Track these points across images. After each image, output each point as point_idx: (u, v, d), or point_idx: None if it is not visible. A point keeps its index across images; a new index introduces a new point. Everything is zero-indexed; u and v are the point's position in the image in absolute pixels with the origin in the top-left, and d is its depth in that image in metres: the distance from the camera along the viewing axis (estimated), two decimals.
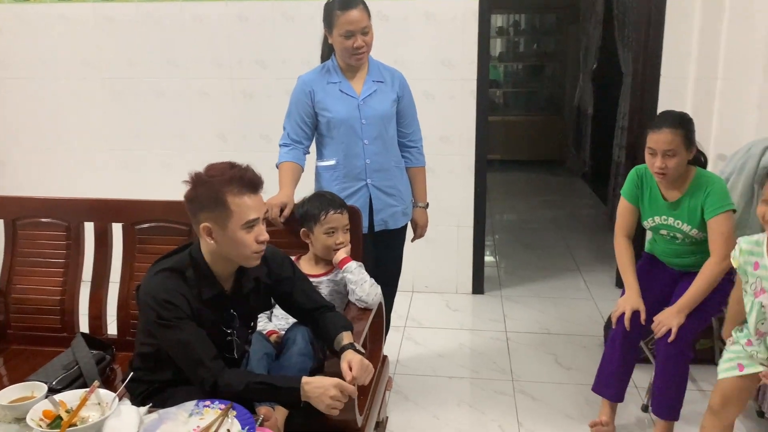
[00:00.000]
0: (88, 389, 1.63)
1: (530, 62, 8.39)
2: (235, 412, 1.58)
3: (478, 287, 4.03)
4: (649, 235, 2.73)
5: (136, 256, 2.32)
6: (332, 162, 2.53)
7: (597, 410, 2.63)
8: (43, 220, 2.38)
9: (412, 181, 2.70)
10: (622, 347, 2.48)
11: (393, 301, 2.83)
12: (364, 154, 2.51)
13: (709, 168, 2.61)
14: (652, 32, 3.56)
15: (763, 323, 1.97)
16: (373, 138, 2.51)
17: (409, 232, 2.78)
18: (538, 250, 4.93)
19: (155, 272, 1.76)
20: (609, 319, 2.63)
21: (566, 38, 7.79)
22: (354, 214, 2.31)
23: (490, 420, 2.72)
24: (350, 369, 1.73)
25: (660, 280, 2.59)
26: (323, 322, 1.92)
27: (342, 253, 2.23)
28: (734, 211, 2.41)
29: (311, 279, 2.14)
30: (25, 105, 4.03)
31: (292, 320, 2.08)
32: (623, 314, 2.43)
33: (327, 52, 2.56)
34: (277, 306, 2.12)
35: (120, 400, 1.63)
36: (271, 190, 2.14)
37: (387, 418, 2.65)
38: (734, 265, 2.04)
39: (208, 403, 1.61)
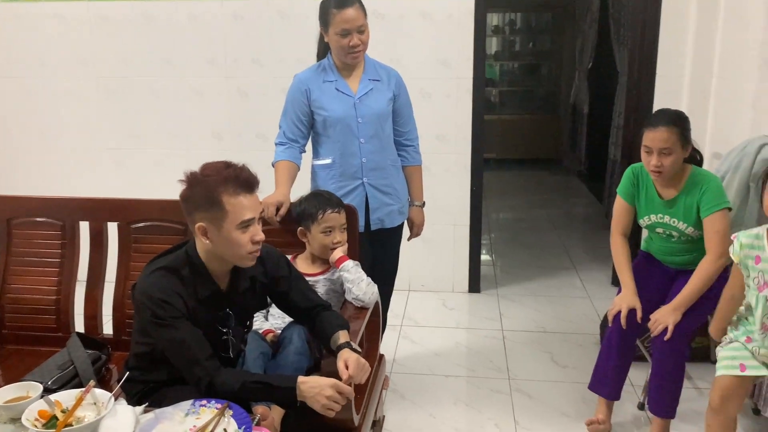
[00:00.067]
0: (83, 389, 1.63)
1: (526, 61, 8.40)
2: (231, 412, 1.57)
3: (474, 286, 4.03)
4: (645, 233, 2.73)
5: (131, 255, 2.31)
6: (328, 161, 2.53)
7: (593, 408, 2.63)
8: (38, 219, 2.37)
9: (408, 179, 2.70)
10: (619, 345, 2.48)
11: (389, 300, 2.82)
12: (360, 153, 2.51)
13: (705, 166, 2.61)
14: (647, 31, 3.57)
15: None
16: (369, 137, 2.50)
17: (406, 231, 2.77)
18: (534, 249, 4.93)
19: (151, 271, 1.75)
20: (605, 318, 2.64)
21: (562, 37, 7.80)
22: (350, 213, 2.31)
23: (486, 418, 2.72)
24: (347, 368, 1.73)
25: (656, 279, 2.60)
26: (319, 321, 1.91)
27: (339, 252, 2.23)
28: (730, 209, 2.41)
29: (308, 278, 2.13)
30: (20, 104, 4.02)
31: (288, 319, 2.08)
32: (619, 312, 2.43)
33: (323, 50, 2.56)
34: (273, 305, 2.12)
35: (116, 399, 1.62)
36: (267, 189, 2.13)
37: (384, 416, 2.66)
38: (735, 260, 2.03)
39: (204, 402, 1.60)
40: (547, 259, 4.69)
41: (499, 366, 3.15)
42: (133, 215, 2.31)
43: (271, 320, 2.20)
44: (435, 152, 3.66)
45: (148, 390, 1.82)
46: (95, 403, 1.61)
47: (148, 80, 3.90)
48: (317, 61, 2.58)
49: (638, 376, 2.82)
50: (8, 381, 1.76)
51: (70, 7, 3.84)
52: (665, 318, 2.35)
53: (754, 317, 2.04)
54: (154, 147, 3.99)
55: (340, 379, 1.70)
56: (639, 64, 3.65)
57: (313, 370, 1.99)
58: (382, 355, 2.39)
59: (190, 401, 1.60)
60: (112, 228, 2.34)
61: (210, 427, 1.52)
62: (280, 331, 2.06)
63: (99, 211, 2.35)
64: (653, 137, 2.35)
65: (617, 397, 2.56)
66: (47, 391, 1.73)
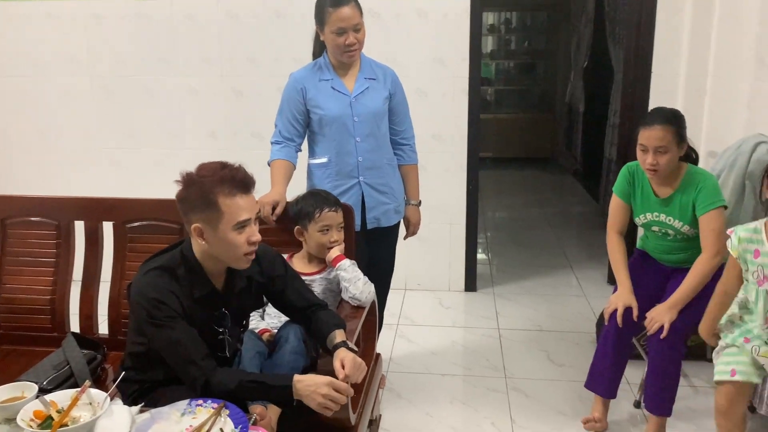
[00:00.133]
0: (79, 389, 1.62)
1: (521, 60, 8.41)
2: (228, 411, 1.57)
3: (470, 285, 4.03)
4: (640, 231, 2.74)
5: (126, 255, 2.31)
6: (324, 159, 2.53)
7: (590, 407, 2.64)
8: (33, 219, 2.36)
9: (404, 178, 2.70)
10: (615, 344, 2.49)
11: (386, 299, 2.82)
12: (356, 152, 2.50)
13: (700, 165, 2.61)
14: (643, 30, 3.57)
15: None
16: (365, 135, 2.50)
17: (402, 230, 2.77)
18: (530, 248, 4.94)
19: (146, 271, 1.75)
20: (601, 316, 2.64)
21: (557, 36, 7.81)
22: (347, 212, 2.31)
23: (483, 417, 2.72)
24: (343, 367, 1.73)
25: (652, 277, 2.60)
26: (316, 321, 1.91)
27: (335, 251, 2.22)
28: (725, 207, 2.42)
29: (304, 277, 2.13)
30: (14, 103, 4.00)
31: (284, 319, 2.07)
32: (615, 311, 2.44)
33: (319, 49, 2.56)
34: (269, 304, 2.11)
35: (111, 399, 1.62)
36: (263, 189, 2.13)
37: (380, 416, 2.65)
38: (733, 254, 2.02)
39: (200, 402, 1.60)
40: (544, 257, 4.69)
41: (496, 365, 3.15)
42: (128, 215, 2.31)
43: (267, 320, 2.20)
44: (431, 151, 3.66)
45: (144, 390, 1.81)
46: (91, 403, 1.61)
47: (144, 79, 3.88)
48: (313, 59, 2.58)
49: (634, 374, 2.83)
50: (3, 381, 1.74)
51: (63, 6, 3.82)
52: (661, 316, 2.35)
53: (755, 313, 2.03)
54: (150, 146, 3.98)
55: (336, 378, 1.70)
56: (634, 63, 3.65)
57: (309, 369, 1.98)
58: (378, 354, 2.38)
59: (187, 401, 1.60)
60: (108, 227, 2.34)
61: (206, 427, 1.51)
62: (276, 331, 2.06)
63: (94, 210, 2.34)
64: (649, 136, 2.36)
65: (613, 395, 2.56)
66: (42, 391, 1.73)
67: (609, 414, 2.61)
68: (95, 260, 2.35)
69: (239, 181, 1.70)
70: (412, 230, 2.78)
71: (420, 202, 2.76)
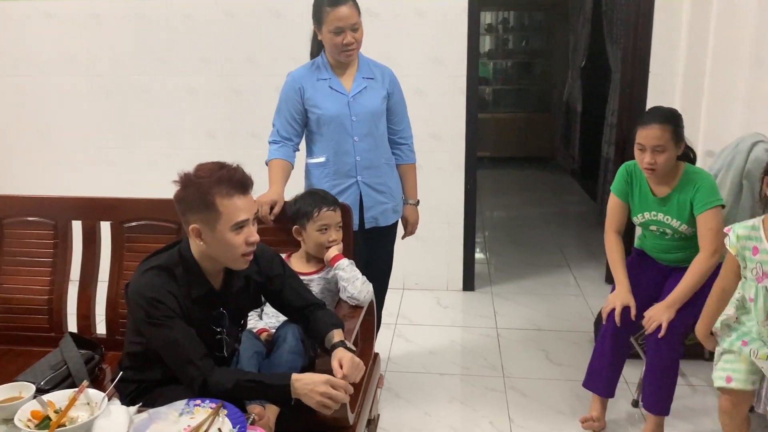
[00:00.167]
0: (76, 389, 1.62)
1: (519, 59, 8.42)
2: (226, 411, 1.57)
3: (468, 284, 4.03)
4: (638, 231, 2.74)
5: (124, 254, 2.30)
6: (322, 159, 2.52)
7: (588, 406, 2.64)
8: (31, 219, 2.35)
9: (402, 178, 2.70)
10: (613, 343, 2.49)
11: (384, 299, 2.82)
12: (354, 151, 2.50)
13: (698, 164, 2.62)
14: (640, 29, 3.57)
15: None
16: (363, 135, 2.50)
17: (400, 230, 2.77)
18: (528, 247, 4.94)
19: (144, 270, 1.74)
20: (599, 315, 2.64)
21: (555, 35, 7.82)
22: (345, 211, 2.31)
23: (481, 416, 2.73)
24: (341, 367, 1.73)
25: (650, 276, 2.61)
26: (314, 320, 1.91)
27: (334, 251, 2.22)
28: (723, 206, 2.42)
29: (302, 277, 2.13)
30: (11, 103, 3.99)
31: (282, 318, 2.07)
32: (613, 310, 2.44)
33: (316, 48, 2.56)
34: (267, 304, 2.11)
35: (109, 399, 1.61)
36: (261, 188, 2.13)
37: (378, 415, 2.65)
38: (732, 252, 2.02)
39: (198, 402, 1.60)
40: (541, 257, 4.70)
41: (494, 364, 3.15)
42: (125, 214, 2.30)
43: (266, 319, 2.19)
44: (429, 150, 3.65)
45: (142, 390, 1.81)
46: (88, 404, 1.60)
47: (141, 79, 3.88)
48: (311, 59, 2.57)
49: (632, 373, 2.83)
50: (1, 381, 1.74)
51: (63, 6, 3.82)
52: (659, 315, 2.35)
53: (754, 311, 2.02)
54: (148, 146, 3.98)
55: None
56: (632, 63, 3.66)
57: (307, 369, 1.98)
58: (376, 354, 2.38)
59: (185, 401, 1.60)
60: (105, 227, 2.33)
61: (204, 427, 1.51)
62: (274, 330, 2.06)
63: (91, 210, 2.34)
64: (646, 135, 2.36)
65: (611, 394, 2.57)
66: (40, 391, 1.72)
67: (607, 413, 2.61)
68: (93, 260, 2.35)
69: (237, 181, 1.70)
70: (410, 230, 2.78)
71: (418, 201, 2.76)
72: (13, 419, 1.53)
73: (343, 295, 2.20)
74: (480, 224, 5.19)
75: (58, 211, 2.34)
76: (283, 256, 2.13)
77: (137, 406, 1.64)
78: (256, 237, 1.75)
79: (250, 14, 3.73)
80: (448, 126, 3.75)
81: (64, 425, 1.51)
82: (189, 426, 1.52)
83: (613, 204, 2.61)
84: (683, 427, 2.61)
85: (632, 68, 3.66)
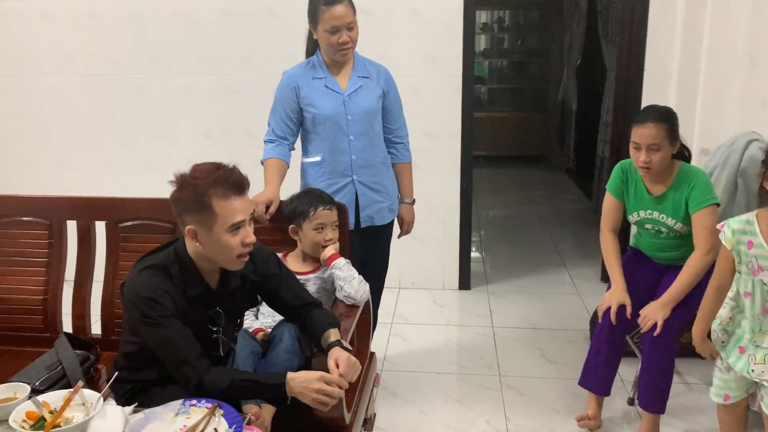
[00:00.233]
0: (72, 390, 1.61)
1: (514, 58, 8.43)
2: (222, 411, 1.56)
3: (464, 283, 4.04)
4: (634, 229, 2.74)
5: (119, 254, 2.29)
6: (318, 158, 2.52)
7: (583, 404, 2.64)
8: (25, 218, 2.34)
9: (398, 177, 2.70)
10: (608, 341, 2.49)
11: (380, 298, 2.82)
12: (349, 150, 2.50)
13: (693, 163, 2.62)
14: (635, 28, 3.58)
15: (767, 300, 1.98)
16: (358, 134, 2.50)
17: (396, 229, 2.77)
18: (523, 246, 4.95)
19: (140, 269, 1.74)
20: (595, 314, 2.65)
21: (550, 34, 7.83)
22: (341, 210, 2.30)
23: (477, 415, 2.73)
24: (337, 366, 1.72)
25: (645, 274, 2.61)
26: (310, 320, 1.91)
27: (330, 250, 2.22)
28: (718, 204, 2.42)
29: (299, 276, 2.12)
30: (6, 102, 3.98)
31: (278, 318, 2.07)
32: (609, 308, 2.44)
33: (312, 47, 2.55)
34: (263, 303, 2.11)
35: (105, 400, 1.61)
36: (256, 188, 2.12)
37: (375, 414, 2.65)
38: (728, 246, 2.02)
39: (194, 402, 1.59)
40: (537, 255, 4.70)
41: (490, 363, 3.16)
42: (120, 214, 2.29)
43: (262, 319, 2.19)
44: (425, 149, 3.66)
45: (138, 390, 1.80)
46: (84, 404, 1.60)
47: (136, 78, 3.87)
48: (306, 58, 2.57)
49: (628, 371, 2.84)
50: None
51: (58, 5, 3.80)
52: (654, 314, 2.36)
53: (750, 305, 2.02)
54: (143, 145, 3.97)
55: None
56: (627, 61, 3.67)
57: (303, 368, 1.97)
58: (372, 353, 2.38)
59: (180, 401, 1.59)
60: (100, 227, 2.32)
61: (200, 427, 1.51)
62: (270, 330, 2.05)
63: (86, 210, 2.33)
64: (641, 133, 2.36)
65: (607, 392, 2.57)
66: (35, 392, 1.72)
67: (603, 411, 2.61)
68: (88, 260, 2.34)
69: (233, 182, 1.69)
70: (406, 229, 2.78)
71: (414, 200, 2.75)
72: (8, 420, 1.52)
73: (339, 295, 2.19)
74: (476, 223, 5.19)
75: (52, 211, 2.33)
76: (280, 255, 2.13)
77: (133, 406, 1.64)
78: (252, 238, 1.74)
79: (246, 13, 3.72)
80: (444, 125, 3.75)
81: (59, 426, 1.51)
82: (185, 426, 1.52)
83: (609, 202, 2.61)
84: (679, 425, 2.62)
85: (627, 67, 3.67)
